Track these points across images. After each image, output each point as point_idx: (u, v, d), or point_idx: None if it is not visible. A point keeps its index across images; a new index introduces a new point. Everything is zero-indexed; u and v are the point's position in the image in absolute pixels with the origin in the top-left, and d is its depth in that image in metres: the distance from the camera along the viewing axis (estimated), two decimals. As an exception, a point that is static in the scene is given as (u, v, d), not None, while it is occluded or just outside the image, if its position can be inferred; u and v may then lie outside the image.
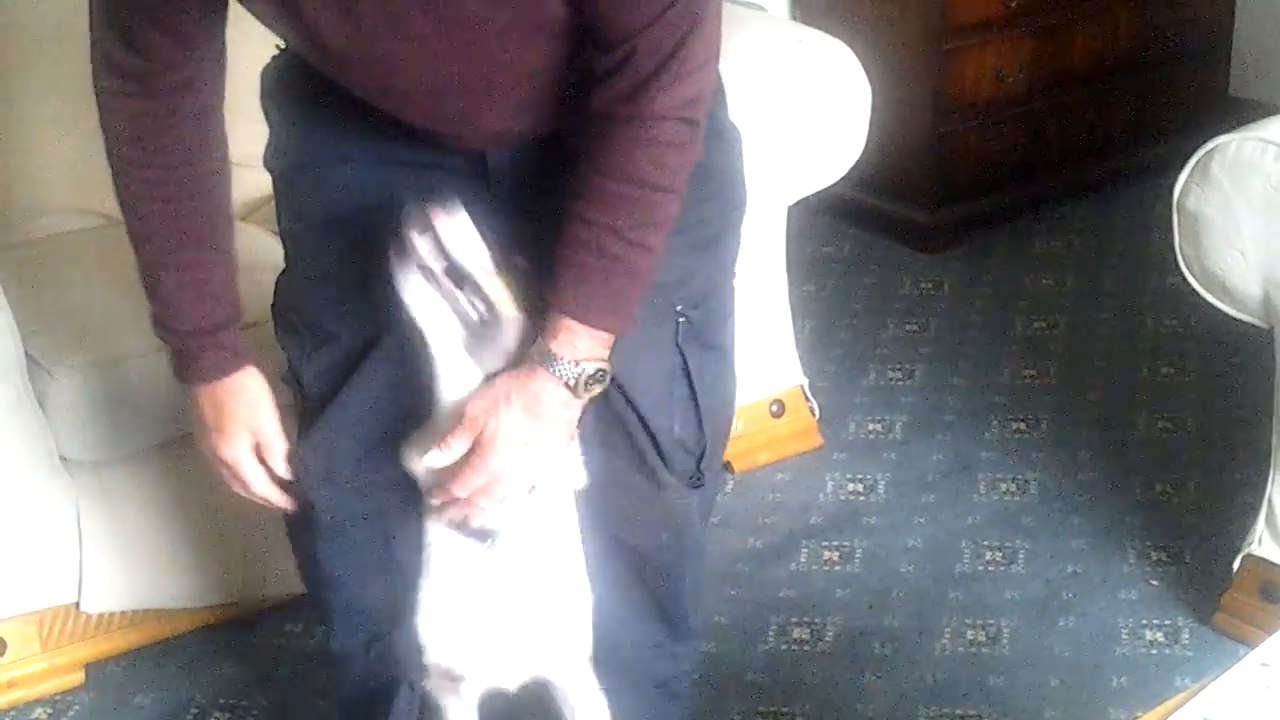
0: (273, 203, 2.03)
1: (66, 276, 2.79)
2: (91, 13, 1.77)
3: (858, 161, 3.03)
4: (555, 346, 1.70)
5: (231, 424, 1.89)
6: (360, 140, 1.86)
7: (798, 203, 3.07)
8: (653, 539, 1.98)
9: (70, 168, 3.01)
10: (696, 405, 1.93)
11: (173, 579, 2.68)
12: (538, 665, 1.96)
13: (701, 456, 1.96)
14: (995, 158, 4.02)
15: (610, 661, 2.00)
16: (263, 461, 1.91)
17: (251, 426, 1.89)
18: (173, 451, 2.61)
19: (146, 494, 2.63)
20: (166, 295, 1.86)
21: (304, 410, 1.96)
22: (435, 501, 1.78)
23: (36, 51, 2.95)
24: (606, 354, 1.73)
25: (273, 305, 2.02)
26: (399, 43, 1.67)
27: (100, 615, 2.65)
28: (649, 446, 1.90)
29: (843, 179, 3.07)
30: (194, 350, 1.87)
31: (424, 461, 1.74)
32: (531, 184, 1.84)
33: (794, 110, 2.89)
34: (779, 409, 3.19)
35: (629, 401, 1.87)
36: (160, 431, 2.57)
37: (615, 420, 1.87)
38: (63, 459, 2.55)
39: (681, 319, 1.88)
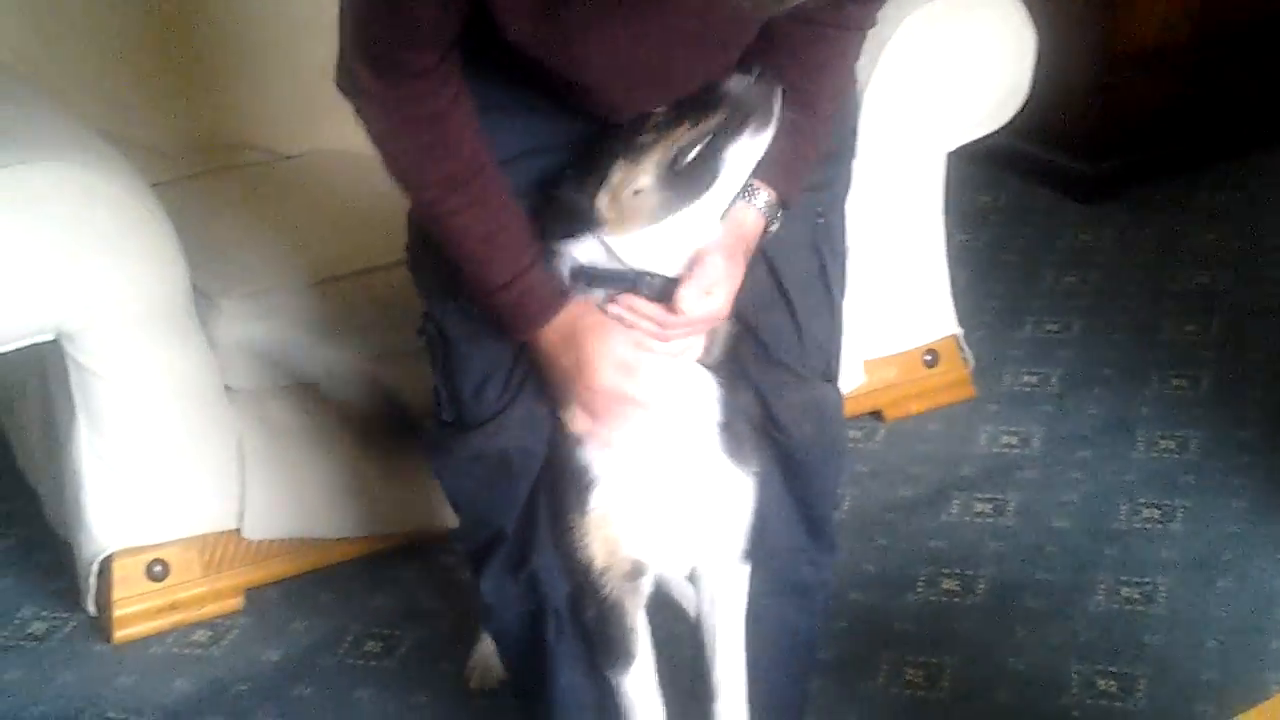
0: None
1: (233, 210, 2.85)
2: (346, 29, 1.76)
3: (1019, 109, 2.98)
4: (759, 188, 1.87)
5: (596, 348, 1.84)
6: (515, 89, 1.87)
7: (955, 150, 3.03)
8: (797, 430, 2.03)
9: (236, 104, 3.06)
10: (831, 304, 2.05)
11: (330, 509, 2.73)
12: (702, 550, 2.01)
13: (830, 355, 2.08)
14: (1160, 109, 3.93)
15: (758, 560, 2.05)
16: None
17: (610, 346, 1.84)
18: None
19: (306, 423, 2.68)
20: (474, 253, 1.83)
21: (445, 353, 1.97)
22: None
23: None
24: None
25: (407, 247, 2.03)
26: (661, 58, 1.77)
27: (260, 542, 2.71)
28: (794, 339, 1.98)
29: (1003, 127, 3.02)
30: (520, 296, 1.84)
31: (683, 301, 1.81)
32: None
33: (960, 56, 2.85)
34: (932, 359, 3.16)
35: (782, 293, 1.97)
36: (322, 362, 2.62)
37: (764, 308, 1.96)
38: (227, 388, 2.61)
39: (820, 220, 2.01)
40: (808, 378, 2.04)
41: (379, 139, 1.83)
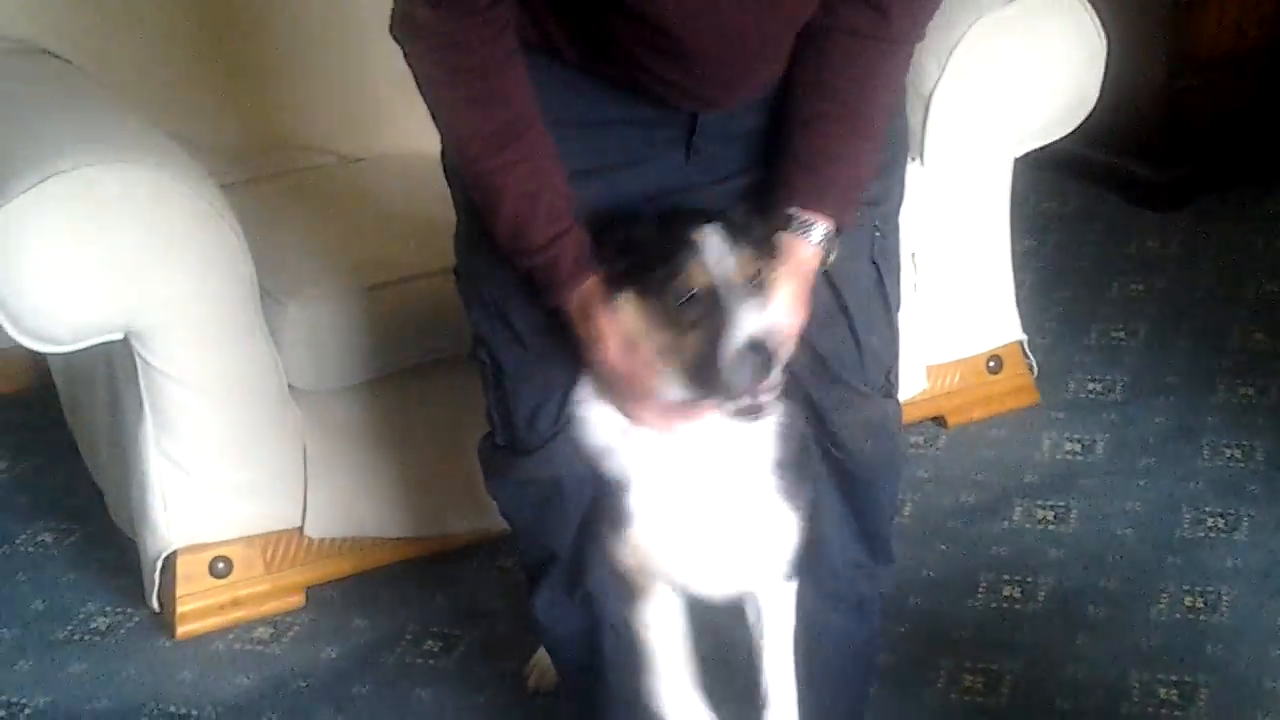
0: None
1: (300, 212, 2.87)
2: None
3: (1088, 115, 2.96)
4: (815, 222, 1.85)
5: (604, 321, 1.80)
6: (579, 103, 1.87)
7: (1022, 156, 3.01)
8: (857, 447, 2.01)
9: (303, 107, 3.09)
10: (889, 317, 2.04)
11: (391, 508, 2.75)
12: (742, 580, 2.00)
13: (889, 369, 2.06)
14: (1231, 115, 3.89)
15: (816, 577, 2.03)
16: None
17: (616, 320, 1.81)
18: (396, 383, 2.68)
19: (370, 424, 2.70)
20: (516, 212, 1.81)
21: (498, 380, 1.96)
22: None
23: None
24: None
25: (456, 270, 2.03)
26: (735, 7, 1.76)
27: (321, 541, 2.73)
28: (854, 355, 1.97)
29: (1071, 132, 3.01)
30: (554, 259, 1.81)
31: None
32: (729, 144, 1.92)
33: (1028, 62, 2.84)
34: (996, 365, 3.15)
35: (842, 309, 1.96)
36: (385, 363, 2.64)
37: (825, 325, 1.93)
38: (291, 388, 2.63)
39: (876, 233, 2.00)
40: (868, 394, 2.02)
41: (430, 88, 1.82)
